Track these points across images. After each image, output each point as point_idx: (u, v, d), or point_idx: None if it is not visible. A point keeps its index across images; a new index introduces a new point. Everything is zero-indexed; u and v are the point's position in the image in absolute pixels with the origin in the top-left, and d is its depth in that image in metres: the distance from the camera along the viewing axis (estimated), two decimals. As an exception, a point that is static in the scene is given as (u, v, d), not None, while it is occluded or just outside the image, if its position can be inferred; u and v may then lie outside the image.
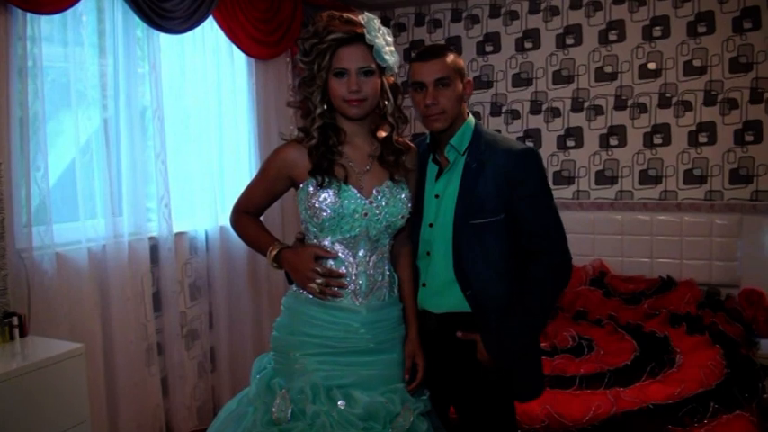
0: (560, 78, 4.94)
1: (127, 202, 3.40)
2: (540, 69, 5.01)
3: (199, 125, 3.86)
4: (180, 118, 3.80)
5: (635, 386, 3.03)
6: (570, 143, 4.94)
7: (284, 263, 1.97)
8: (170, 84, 3.68)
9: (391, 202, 1.94)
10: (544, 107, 5.01)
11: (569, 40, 4.90)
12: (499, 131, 4.77)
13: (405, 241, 2.09)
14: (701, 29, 4.48)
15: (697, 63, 4.50)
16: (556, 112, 4.98)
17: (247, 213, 2.09)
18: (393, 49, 1.92)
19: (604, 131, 4.84)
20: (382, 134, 2.00)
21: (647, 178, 4.73)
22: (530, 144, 2.00)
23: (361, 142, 1.99)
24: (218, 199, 3.98)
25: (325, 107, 1.93)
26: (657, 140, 4.69)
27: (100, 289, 3.23)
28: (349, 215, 1.89)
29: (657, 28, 4.61)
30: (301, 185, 1.93)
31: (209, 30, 3.85)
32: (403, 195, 1.97)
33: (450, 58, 2.04)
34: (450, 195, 2.06)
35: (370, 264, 1.95)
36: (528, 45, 5.05)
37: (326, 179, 1.89)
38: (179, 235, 3.71)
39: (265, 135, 4.28)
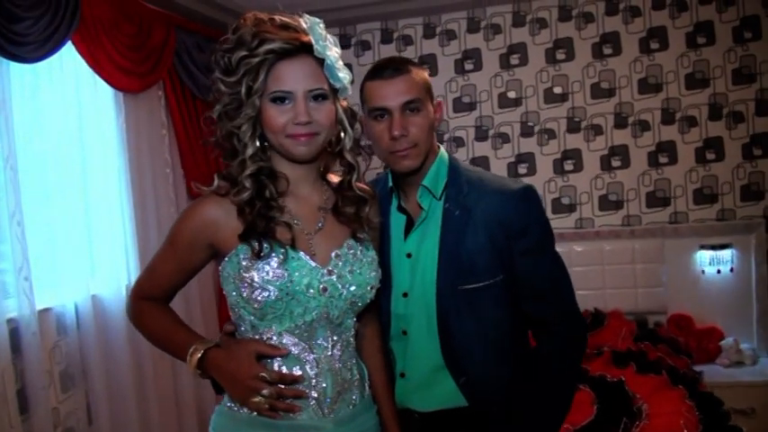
0: (461, 105, 4.63)
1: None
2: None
3: (60, 174, 3.15)
4: (36, 167, 3.08)
5: (613, 450, 2.66)
6: (478, 173, 4.63)
7: (212, 369, 1.38)
8: (23, 125, 2.97)
9: (357, 269, 1.43)
10: (445, 137, 4.68)
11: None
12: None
13: (371, 319, 1.57)
14: (607, 50, 4.32)
15: (605, 85, 4.34)
16: (459, 142, 4.67)
17: (151, 300, 1.49)
18: (342, 63, 1.42)
19: (512, 159, 4.58)
20: (336, 178, 1.50)
21: (560, 206, 4.51)
22: (526, 181, 1.54)
23: (309, 191, 1.47)
24: (88, 263, 3.26)
25: (258, 145, 1.40)
26: (568, 166, 4.48)
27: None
28: (302, 293, 1.36)
29: (561, 51, 4.42)
30: (228, 256, 1.38)
31: (69, 58, 3.15)
32: (370, 258, 1.47)
33: (418, 73, 1.57)
34: (428, 254, 1.58)
35: (335, 357, 1.42)
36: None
37: (266, 245, 1.35)
38: (43, 312, 2.95)
39: (138, 182, 3.59)
